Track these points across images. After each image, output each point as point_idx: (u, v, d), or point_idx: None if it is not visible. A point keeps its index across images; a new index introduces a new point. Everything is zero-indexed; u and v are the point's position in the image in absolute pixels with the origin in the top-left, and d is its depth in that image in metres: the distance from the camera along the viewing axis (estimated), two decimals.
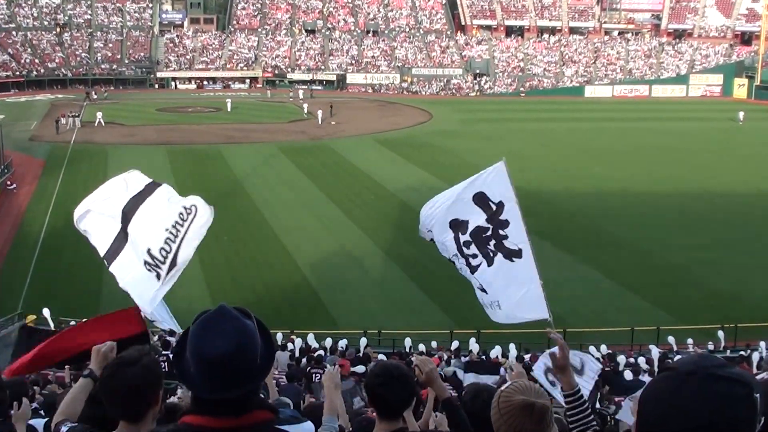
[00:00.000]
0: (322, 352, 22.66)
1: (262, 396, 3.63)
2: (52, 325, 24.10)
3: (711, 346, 25.47)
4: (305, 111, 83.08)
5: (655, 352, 23.12)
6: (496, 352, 23.37)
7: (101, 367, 4.79)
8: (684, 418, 2.45)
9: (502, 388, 4.09)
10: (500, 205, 11.19)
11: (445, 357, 22.87)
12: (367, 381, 5.21)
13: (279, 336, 24.58)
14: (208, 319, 3.41)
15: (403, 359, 21.49)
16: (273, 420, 3.50)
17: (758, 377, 3.65)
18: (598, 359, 22.74)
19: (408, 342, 25.44)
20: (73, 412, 5.11)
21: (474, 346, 24.01)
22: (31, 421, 7.43)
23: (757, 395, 2.49)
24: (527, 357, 24.03)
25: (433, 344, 26.11)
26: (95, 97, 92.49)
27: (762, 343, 24.62)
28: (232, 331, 3.32)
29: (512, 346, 23.06)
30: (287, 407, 7.86)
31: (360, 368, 20.55)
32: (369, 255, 37.97)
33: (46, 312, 24.70)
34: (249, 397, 3.41)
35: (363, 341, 25.26)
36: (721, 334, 26.72)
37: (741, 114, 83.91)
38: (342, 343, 24.16)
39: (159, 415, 5.08)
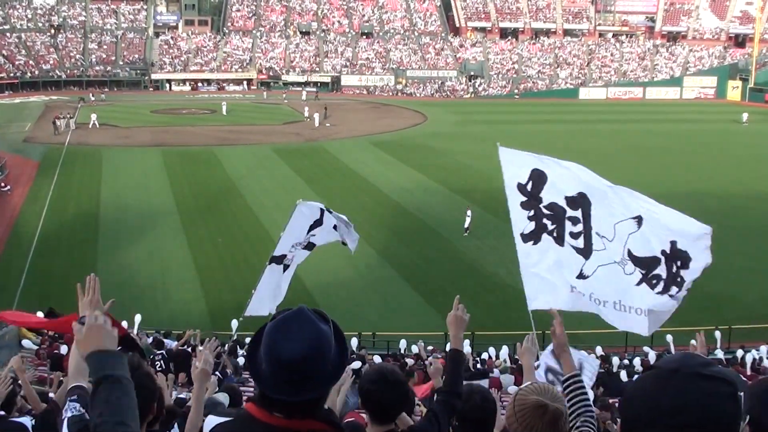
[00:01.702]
0: None
1: (328, 408, 3.62)
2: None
3: (693, 343, 25.47)
4: (306, 114, 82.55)
5: (652, 354, 23.16)
6: (489, 353, 23.41)
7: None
8: (667, 416, 2.46)
9: (521, 387, 4.10)
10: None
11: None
12: (361, 384, 5.20)
13: None
14: (286, 319, 3.36)
15: (398, 361, 21.53)
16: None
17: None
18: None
19: (403, 344, 25.46)
20: (83, 369, 5.02)
21: (467, 348, 24.03)
22: (19, 419, 7.47)
23: (741, 394, 2.50)
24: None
25: (418, 346, 26.02)
26: (92, 99, 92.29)
27: (763, 348, 24.67)
28: (308, 334, 3.30)
29: (505, 348, 23.07)
30: (220, 405, 7.82)
31: (356, 364, 20.54)
32: (363, 256, 37.90)
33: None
34: (315, 404, 3.40)
35: (353, 342, 25.30)
36: (717, 334, 26.75)
37: (745, 115, 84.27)
38: None
39: (158, 418, 5.10)
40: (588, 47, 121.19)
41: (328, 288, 33.44)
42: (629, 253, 9.82)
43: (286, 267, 14.31)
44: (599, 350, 24.29)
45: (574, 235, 9.78)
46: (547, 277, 10.04)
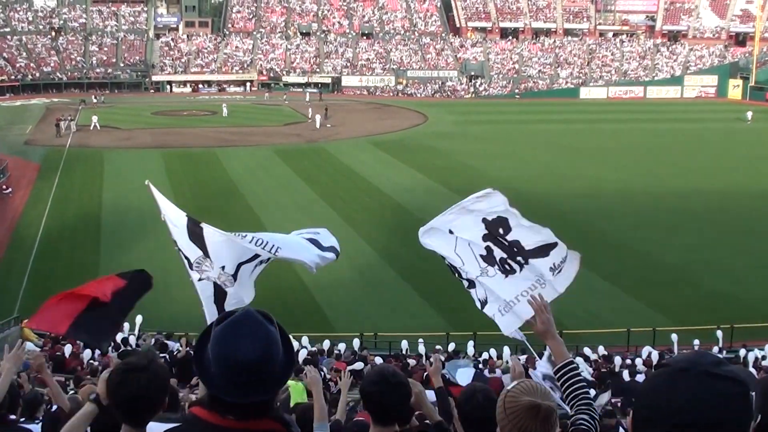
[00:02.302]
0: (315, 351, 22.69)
1: (277, 405, 3.58)
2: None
3: (696, 343, 25.53)
4: (309, 115, 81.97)
5: (654, 354, 23.14)
6: (491, 354, 23.40)
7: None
8: (676, 414, 2.46)
9: (508, 387, 4.06)
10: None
11: (442, 359, 22.86)
12: (362, 386, 5.20)
13: None
14: (236, 321, 3.31)
15: (400, 361, 21.54)
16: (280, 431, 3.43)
17: None
18: (595, 361, 22.79)
19: (404, 344, 25.45)
20: None
21: (471, 349, 24.06)
22: (27, 425, 7.44)
23: (753, 393, 2.50)
24: (523, 358, 24.07)
25: (435, 357, 25.97)
26: (95, 101, 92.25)
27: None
28: (259, 336, 3.27)
29: (506, 349, 23.05)
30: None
31: (359, 365, 20.57)
32: (364, 257, 37.94)
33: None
34: (267, 405, 3.38)
35: (356, 342, 25.31)
36: (719, 333, 26.74)
37: (749, 114, 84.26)
38: (341, 346, 24.22)
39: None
40: (588, 47, 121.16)
41: (328, 288, 33.40)
42: (485, 256, 10.64)
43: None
44: (601, 350, 24.29)
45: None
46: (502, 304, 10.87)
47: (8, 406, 7.05)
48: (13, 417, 7.33)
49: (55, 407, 7.89)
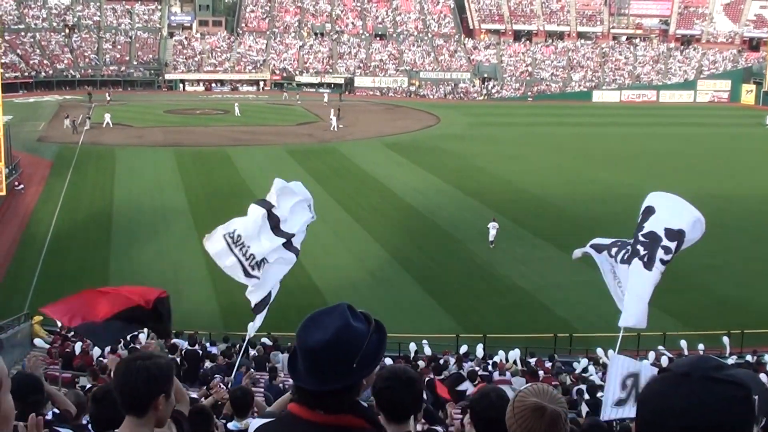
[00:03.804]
0: None
1: (364, 404, 3.74)
2: (59, 324, 24.10)
3: (701, 347, 25.52)
4: (332, 116, 79.81)
5: (664, 358, 23.12)
6: (499, 356, 23.42)
7: None
8: (677, 419, 2.46)
9: (520, 389, 4.14)
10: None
11: (452, 361, 22.87)
12: (374, 384, 5.21)
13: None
14: (321, 312, 3.58)
15: (409, 363, 21.53)
16: (365, 428, 3.59)
17: None
18: (604, 364, 22.74)
19: (413, 346, 25.47)
20: None
21: (480, 351, 24.07)
22: (61, 429, 7.39)
23: (756, 397, 2.49)
24: (533, 361, 24.09)
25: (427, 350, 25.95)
26: (108, 99, 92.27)
27: None
28: (332, 326, 3.47)
29: (512, 352, 23.07)
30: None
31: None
32: (375, 258, 37.99)
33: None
34: (343, 397, 3.53)
35: None
36: (726, 339, 26.70)
37: None
38: None
39: (179, 416, 5.14)
40: (601, 50, 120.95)
41: (339, 289, 33.45)
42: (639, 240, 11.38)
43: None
44: (612, 353, 24.22)
45: (664, 263, 11.48)
46: (635, 297, 11.56)
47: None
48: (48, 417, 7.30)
49: (55, 411, 7.85)
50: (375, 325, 3.58)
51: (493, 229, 39.42)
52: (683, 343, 25.11)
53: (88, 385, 15.06)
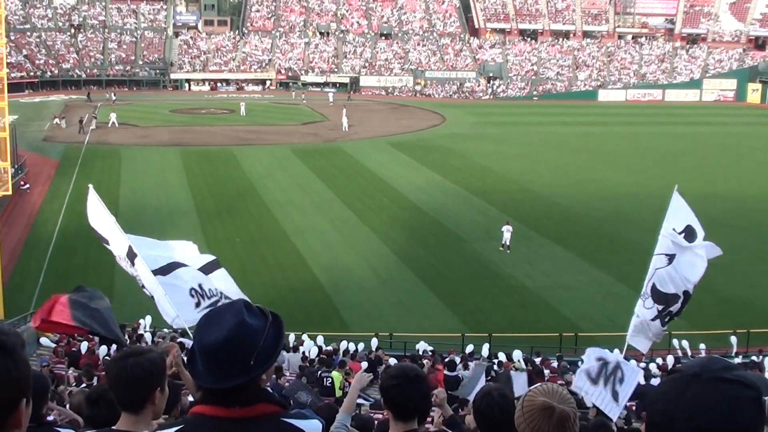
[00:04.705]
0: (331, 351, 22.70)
1: (270, 390, 3.75)
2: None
3: (702, 347, 25.48)
4: (344, 117, 78.13)
5: (670, 358, 23.11)
6: (505, 355, 23.39)
7: None
8: (688, 420, 2.46)
9: (531, 388, 4.15)
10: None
11: (457, 360, 22.86)
12: (382, 382, 5.23)
13: (291, 338, 24.66)
14: (212, 311, 3.60)
15: (415, 362, 21.52)
16: (280, 413, 3.59)
17: None
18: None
19: (420, 345, 25.46)
20: None
21: (486, 351, 24.04)
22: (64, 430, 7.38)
23: (766, 398, 2.49)
24: (538, 360, 24.07)
25: (426, 347, 25.93)
26: (114, 98, 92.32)
27: None
28: (228, 323, 3.47)
29: (516, 352, 23.04)
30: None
31: (363, 364, 20.64)
32: (381, 257, 37.99)
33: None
34: (250, 390, 3.52)
35: (374, 342, 25.32)
36: (733, 339, 26.64)
37: None
38: (359, 346, 24.26)
39: (172, 414, 5.14)
40: (607, 49, 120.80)
41: (345, 289, 33.48)
42: (653, 288, 11.43)
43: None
44: (618, 353, 24.20)
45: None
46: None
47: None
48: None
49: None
50: (272, 319, 3.58)
51: (507, 232, 38.82)
52: (685, 343, 25.06)
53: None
